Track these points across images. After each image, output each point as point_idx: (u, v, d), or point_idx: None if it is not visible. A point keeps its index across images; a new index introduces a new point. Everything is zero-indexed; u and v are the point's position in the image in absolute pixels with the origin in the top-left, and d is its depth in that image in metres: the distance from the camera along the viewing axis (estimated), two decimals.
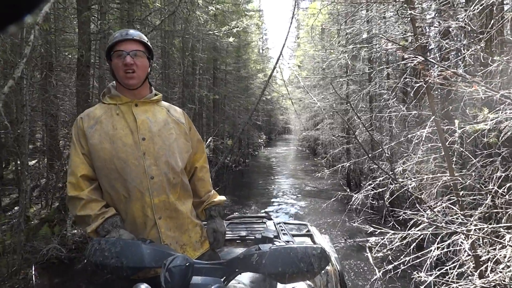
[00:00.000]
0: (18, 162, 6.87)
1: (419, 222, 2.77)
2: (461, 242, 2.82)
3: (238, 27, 11.63)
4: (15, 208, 7.64)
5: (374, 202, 7.48)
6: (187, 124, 1.83)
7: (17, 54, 5.88)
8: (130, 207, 1.59)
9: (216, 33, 11.27)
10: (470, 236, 2.45)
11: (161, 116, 1.72)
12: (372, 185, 4.43)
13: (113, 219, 1.54)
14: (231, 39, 11.63)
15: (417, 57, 2.32)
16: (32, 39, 4.72)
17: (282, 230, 2.65)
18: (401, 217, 3.03)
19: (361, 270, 5.87)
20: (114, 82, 1.74)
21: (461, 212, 2.65)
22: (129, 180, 1.57)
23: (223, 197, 1.96)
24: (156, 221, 1.60)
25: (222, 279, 1.23)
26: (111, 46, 1.62)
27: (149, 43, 1.70)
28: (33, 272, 5.25)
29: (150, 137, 1.63)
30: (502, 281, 2.13)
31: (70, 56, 9.18)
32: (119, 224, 1.55)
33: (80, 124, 1.64)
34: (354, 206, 4.42)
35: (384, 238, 3.06)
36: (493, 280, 2.11)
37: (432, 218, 2.70)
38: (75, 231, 6.72)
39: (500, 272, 2.15)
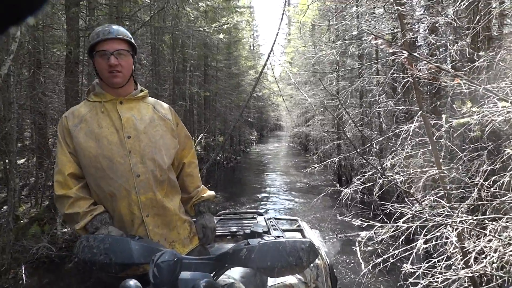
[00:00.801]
0: (6, 160, 6.79)
1: (406, 215, 2.81)
2: (448, 234, 2.86)
3: (228, 23, 11.62)
4: (4, 207, 7.54)
5: (363, 197, 7.55)
6: (173, 120, 1.81)
7: (3, 50, 5.79)
8: (117, 205, 1.58)
9: (207, 30, 11.23)
10: (456, 228, 2.50)
11: (146, 113, 1.71)
12: (362, 180, 4.48)
13: (101, 216, 1.54)
14: (221, 36, 11.61)
15: (403, 52, 2.35)
16: (19, 35, 4.66)
17: (272, 225, 2.68)
18: (389, 210, 3.07)
19: (351, 263, 5.93)
20: (98, 79, 1.72)
21: (448, 205, 2.70)
22: (115, 179, 1.57)
23: (212, 192, 1.96)
24: (143, 218, 1.60)
25: (211, 274, 1.24)
26: (94, 44, 1.59)
27: (132, 40, 1.68)
28: (23, 272, 5.21)
29: (136, 135, 1.62)
30: (486, 271, 2.18)
31: (58, 53, 9.06)
32: (108, 221, 1.55)
33: (65, 123, 1.63)
34: (344, 201, 4.46)
35: (372, 232, 3.09)
36: (476, 270, 2.15)
37: (419, 211, 2.74)
38: (65, 229, 6.66)
39: (485, 262, 2.19)
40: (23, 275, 5.18)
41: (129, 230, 1.60)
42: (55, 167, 1.64)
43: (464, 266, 2.68)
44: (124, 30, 1.66)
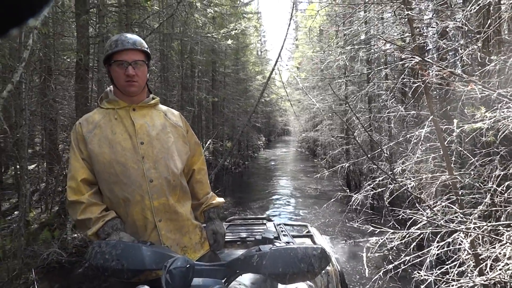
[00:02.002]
0: (18, 166, 6.87)
1: (418, 221, 2.77)
2: (461, 241, 2.82)
3: (236, 29, 11.66)
4: (15, 212, 7.62)
5: (373, 203, 7.49)
6: (184, 127, 1.84)
7: (15, 58, 5.88)
8: (130, 210, 1.59)
9: (215, 36, 11.30)
10: (469, 234, 2.46)
11: (158, 120, 1.74)
12: (372, 185, 4.44)
13: (113, 222, 1.55)
14: (229, 42, 11.64)
15: (414, 57, 2.33)
16: (30, 43, 4.72)
17: (282, 231, 2.66)
18: (400, 216, 3.04)
19: (362, 270, 5.87)
20: (111, 86, 1.74)
21: (461, 211, 2.66)
22: (129, 184, 1.58)
23: (221, 199, 1.98)
24: (156, 223, 1.61)
25: (223, 280, 1.23)
26: (111, 54, 1.62)
27: (148, 50, 1.71)
28: (34, 277, 5.24)
29: (149, 141, 1.65)
30: (502, 279, 2.14)
31: (68, 60, 9.17)
32: (119, 227, 1.55)
33: (78, 129, 1.65)
34: (354, 207, 4.42)
35: (383, 238, 3.06)
36: (492, 277, 2.11)
37: (431, 217, 2.71)
38: (76, 235, 6.71)
39: (500, 269, 2.16)
40: (34, 280, 5.21)
41: (142, 235, 1.61)
42: (67, 173, 1.65)
43: (474, 271, 2.64)
44: (140, 40, 1.69)
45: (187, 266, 1.12)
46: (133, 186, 1.58)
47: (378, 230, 2.98)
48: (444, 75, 2.20)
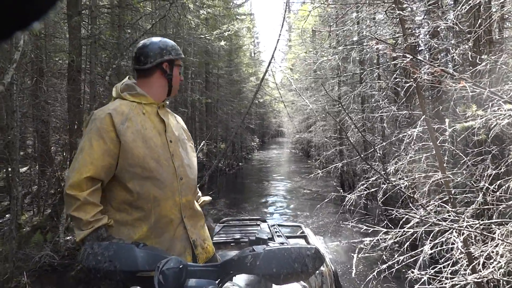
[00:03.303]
0: (9, 169, 6.80)
1: (411, 220, 2.79)
2: (454, 240, 2.84)
3: (229, 30, 11.66)
4: (7, 215, 7.54)
5: (367, 203, 7.52)
6: (187, 129, 1.96)
7: (6, 59, 5.82)
8: (160, 206, 1.61)
9: (208, 37, 11.29)
10: (462, 232, 2.48)
11: (175, 121, 1.84)
12: (365, 186, 4.46)
13: (97, 233, 1.50)
14: (222, 43, 11.64)
15: (406, 56, 2.35)
16: (21, 44, 4.69)
17: (276, 232, 2.66)
18: (394, 216, 3.05)
19: (356, 270, 5.89)
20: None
21: (453, 210, 2.68)
22: (161, 180, 1.61)
23: (209, 197, 2.10)
24: (182, 219, 1.67)
25: (216, 281, 1.22)
26: (176, 58, 1.76)
27: None
28: (26, 280, 5.19)
29: (175, 140, 1.72)
30: (494, 277, 2.15)
31: (60, 62, 9.12)
32: (104, 236, 1.51)
33: (108, 120, 1.58)
34: (348, 207, 4.43)
35: (378, 237, 3.07)
36: (485, 275, 2.13)
37: (425, 216, 2.72)
38: (68, 237, 6.65)
39: (493, 267, 2.17)
40: (26, 283, 5.16)
41: (167, 230, 1.63)
42: (73, 162, 1.59)
43: (470, 271, 2.65)
44: None
45: (180, 266, 1.11)
46: (166, 183, 1.62)
47: (372, 229, 2.99)
48: (436, 73, 2.22)
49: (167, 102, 1.85)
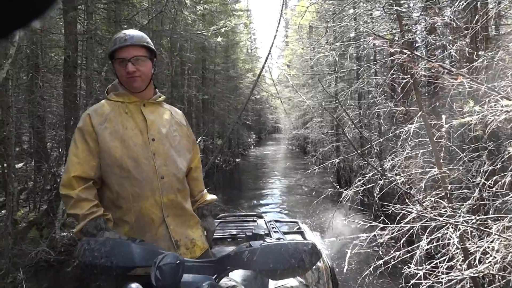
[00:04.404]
0: (5, 164, 6.77)
1: (408, 216, 2.80)
2: (450, 235, 2.85)
3: (226, 26, 11.58)
4: (2, 211, 7.51)
5: (364, 199, 7.54)
6: (186, 125, 1.89)
7: (1, 55, 5.78)
8: (139, 205, 1.60)
9: (204, 33, 11.22)
10: (458, 228, 2.49)
11: (166, 117, 1.77)
12: (362, 182, 4.46)
13: (96, 222, 1.51)
14: (219, 39, 11.58)
15: (404, 52, 2.34)
16: (17, 39, 4.64)
17: (273, 227, 2.66)
18: (390, 211, 3.06)
19: (352, 266, 5.91)
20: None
21: (450, 205, 2.69)
22: (140, 179, 1.59)
23: (214, 196, 2.04)
24: (164, 219, 1.64)
25: (213, 277, 1.23)
26: (112, 52, 1.64)
27: (150, 45, 1.71)
28: (22, 276, 5.17)
29: (159, 138, 1.67)
30: (490, 272, 2.17)
31: (56, 57, 9.05)
32: (102, 226, 1.51)
33: (87, 121, 1.62)
34: (344, 203, 4.44)
35: (375, 233, 3.08)
36: (480, 270, 2.14)
37: (422, 211, 2.73)
38: (64, 233, 6.63)
39: (489, 262, 2.18)
40: (22, 279, 5.15)
41: (149, 229, 1.61)
42: (66, 162, 1.64)
43: (466, 267, 2.67)
44: (141, 35, 1.70)
45: (177, 262, 1.12)
46: (145, 182, 1.59)
47: (368, 225, 3.00)
48: (434, 69, 2.22)
49: (160, 97, 1.79)
